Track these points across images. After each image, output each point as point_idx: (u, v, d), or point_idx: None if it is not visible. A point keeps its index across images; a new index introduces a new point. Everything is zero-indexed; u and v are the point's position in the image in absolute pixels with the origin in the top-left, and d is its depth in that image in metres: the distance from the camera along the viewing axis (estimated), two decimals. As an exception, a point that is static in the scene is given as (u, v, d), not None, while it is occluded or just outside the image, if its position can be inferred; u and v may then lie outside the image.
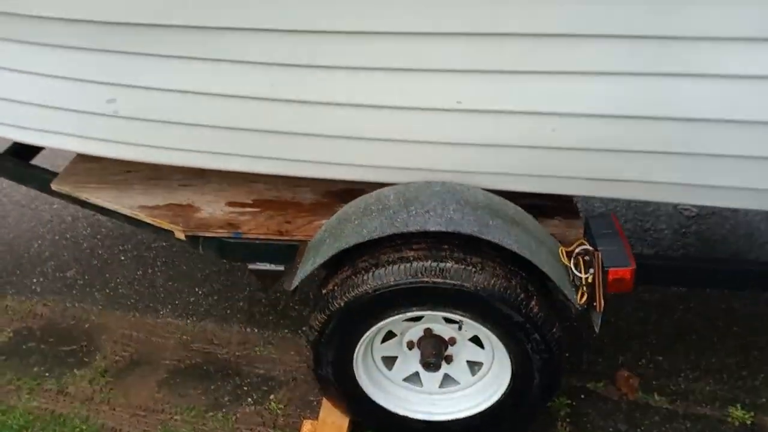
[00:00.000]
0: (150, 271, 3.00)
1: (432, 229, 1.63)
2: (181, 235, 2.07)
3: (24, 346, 2.57)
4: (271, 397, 2.31)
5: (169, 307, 2.77)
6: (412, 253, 1.69)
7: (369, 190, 1.95)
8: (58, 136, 2.07)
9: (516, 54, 1.52)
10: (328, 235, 1.82)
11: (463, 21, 1.48)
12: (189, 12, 1.58)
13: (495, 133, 1.70)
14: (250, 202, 2.19)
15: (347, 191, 2.12)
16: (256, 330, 2.61)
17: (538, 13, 1.43)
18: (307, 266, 1.80)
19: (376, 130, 1.77)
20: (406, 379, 2.03)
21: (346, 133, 1.80)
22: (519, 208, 1.83)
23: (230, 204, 2.17)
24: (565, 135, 1.65)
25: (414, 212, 1.69)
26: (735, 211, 3.04)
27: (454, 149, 1.78)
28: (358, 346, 1.83)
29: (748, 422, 2.15)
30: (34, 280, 2.97)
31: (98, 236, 3.26)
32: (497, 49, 1.52)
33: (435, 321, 1.85)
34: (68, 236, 3.29)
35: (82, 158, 2.34)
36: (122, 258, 3.10)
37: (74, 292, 2.88)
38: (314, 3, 1.52)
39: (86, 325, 2.67)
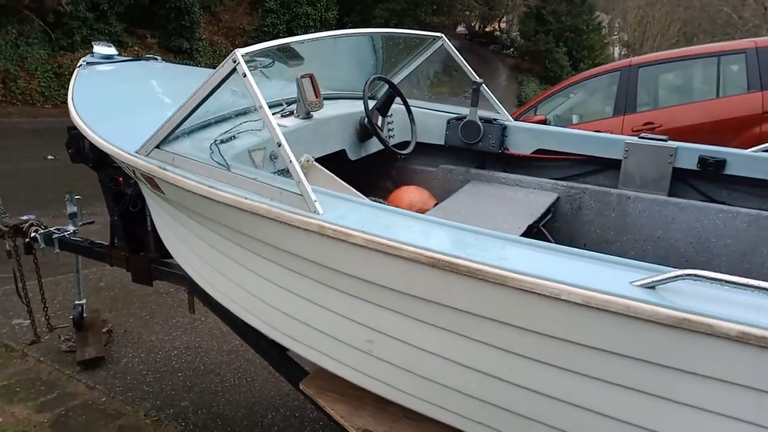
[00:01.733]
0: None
1: None
2: (389, 472, 2.18)
3: None
4: None
5: None
6: None
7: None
8: (319, 354, 2.40)
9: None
10: None
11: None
12: (447, 295, 1.82)
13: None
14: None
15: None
16: None
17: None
18: None
19: None
20: None
21: (563, 427, 1.82)
22: None
23: (441, 452, 2.24)
24: None
25: None
26: None
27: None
28: None
29: None
30: (260, 453, 3.30)
31: (320, 422, 3.54)
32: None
33: None
34: (297, 415, 3.63)
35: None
36: (334, 453, 3.30)
37: (287, 476, 3.13)
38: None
39: None
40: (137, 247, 3.80)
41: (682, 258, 3.11)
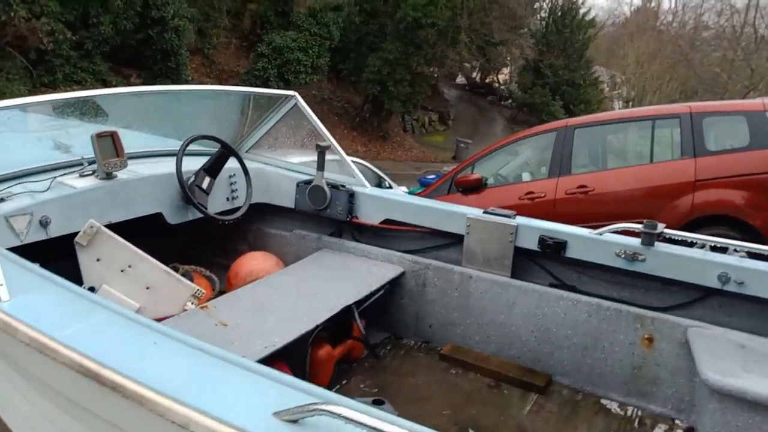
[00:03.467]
0: None
1: None
2: None
3: None
4: None
5: None
6: None
7: None
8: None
9: None
10: None
11: None
12: (104, 408, 1.56)
13: None
14: None
15: None
16: None
17: None
18: None
19: None
20: None
21: None
22: None
23: None
24: None
25: None
26: None
27: None
28: None
29: None
30: None
31: None
32: None
33: None
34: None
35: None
36: None
37: None
38: None
39: None
40: None
41: (525, 347, 2.81)
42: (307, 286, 2.80)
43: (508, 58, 26.65)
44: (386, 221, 3.18)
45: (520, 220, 2.88)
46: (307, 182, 3.29)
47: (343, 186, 3.25)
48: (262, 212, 3.58)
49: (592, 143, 6.15)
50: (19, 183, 2.55)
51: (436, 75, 21.41)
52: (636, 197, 5.55)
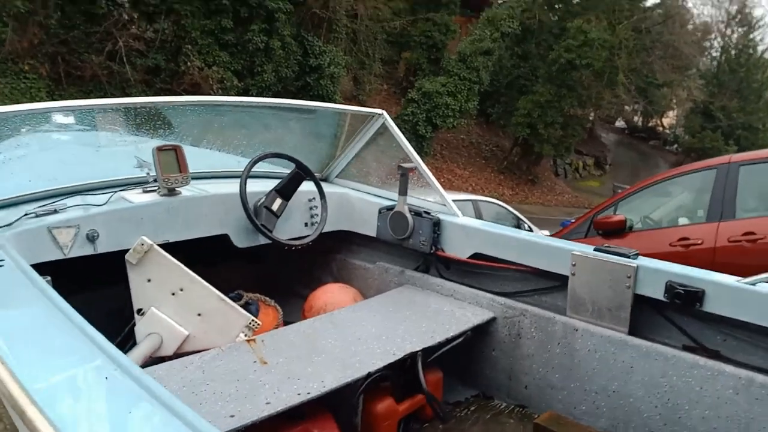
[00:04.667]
0: None
1: None
2: None
3: None
4: None
5: None
6: None
7: None
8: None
9: None
10: None
11: None
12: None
13: None
14: None
15: None
16: None
17: None
18: None
19: None
20: None
21: None
22: None
23: None
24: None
25: None
26: None
27: None
28: None
29: None
30: None
31: None
32: None
33: None
34: None
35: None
36: None
37: None
38: None
39: None
40: None
41: (647, 427, 2.16)
42: (374, 326, 2.40)
43: (674, 101, 24.61)
44: (476, 255, 2.70)
45: (642, 260, 2.26)
46: (390, 208, 2.92)
47: (428, 213, 2.83)
48: (348, 241, 3.27)
49: (763, 182, 5.15)
50: (81, 196, 2.47)
51: (591, 118, 20.24)
52: (821, 248, 4.50)
